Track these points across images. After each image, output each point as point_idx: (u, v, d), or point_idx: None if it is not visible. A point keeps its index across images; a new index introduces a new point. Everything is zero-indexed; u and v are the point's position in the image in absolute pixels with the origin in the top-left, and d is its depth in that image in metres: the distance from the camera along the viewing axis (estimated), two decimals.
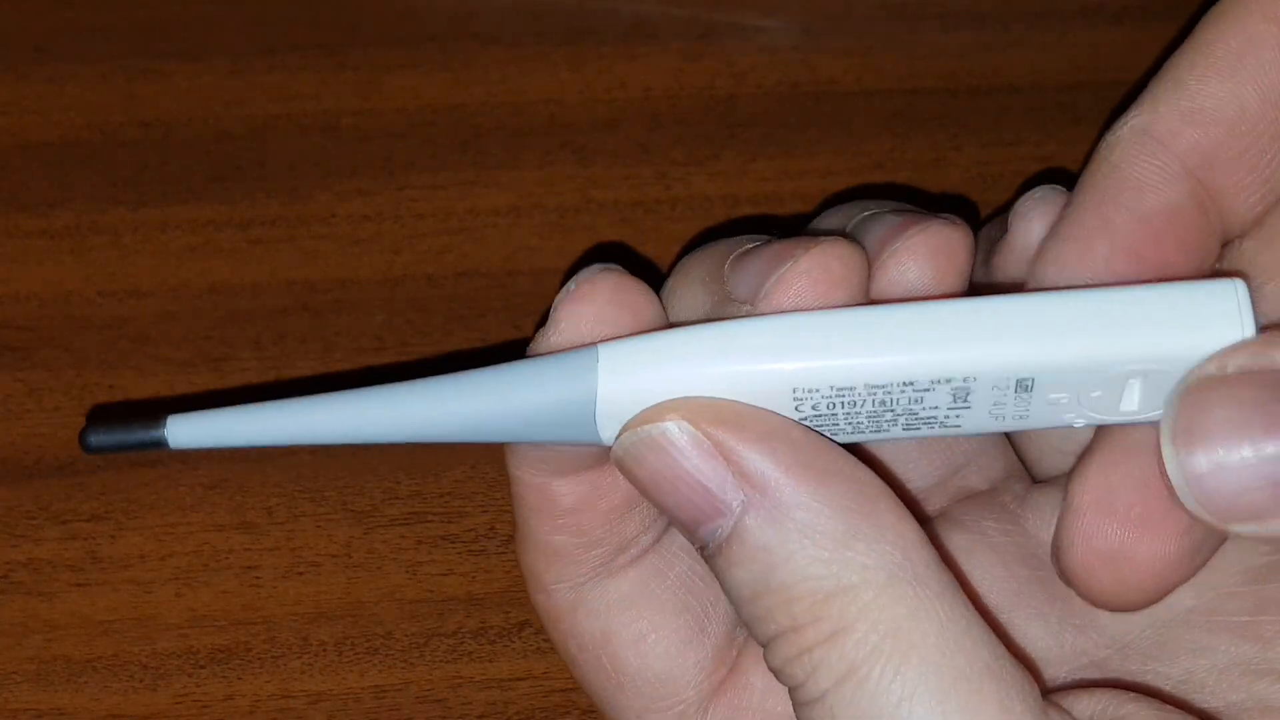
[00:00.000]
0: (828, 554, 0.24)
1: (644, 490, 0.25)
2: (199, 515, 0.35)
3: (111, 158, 0.38)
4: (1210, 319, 0.25)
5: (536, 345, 0.27)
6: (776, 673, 0.25)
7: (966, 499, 0.30)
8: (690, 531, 0.25)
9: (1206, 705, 0.27)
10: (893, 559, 0.24)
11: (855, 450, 0.26)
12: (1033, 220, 0.29)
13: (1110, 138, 0.28)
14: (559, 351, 0.26)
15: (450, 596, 0.35)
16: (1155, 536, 0.26)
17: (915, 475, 0.30)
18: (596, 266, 0.27)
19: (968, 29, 0.40)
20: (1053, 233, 0.28)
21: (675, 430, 0.25)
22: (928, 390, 0.25)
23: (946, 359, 0.25)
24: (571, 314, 0.26)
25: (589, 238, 0.38)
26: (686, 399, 0.25)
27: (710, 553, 0.25)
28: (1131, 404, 0.26)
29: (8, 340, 0.37)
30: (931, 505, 0.30)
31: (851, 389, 0.25)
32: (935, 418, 0.26)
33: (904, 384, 0.25)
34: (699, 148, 0.39)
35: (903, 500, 0.25)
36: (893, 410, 0.25)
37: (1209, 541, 0.26)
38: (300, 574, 0.35)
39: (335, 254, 0.38)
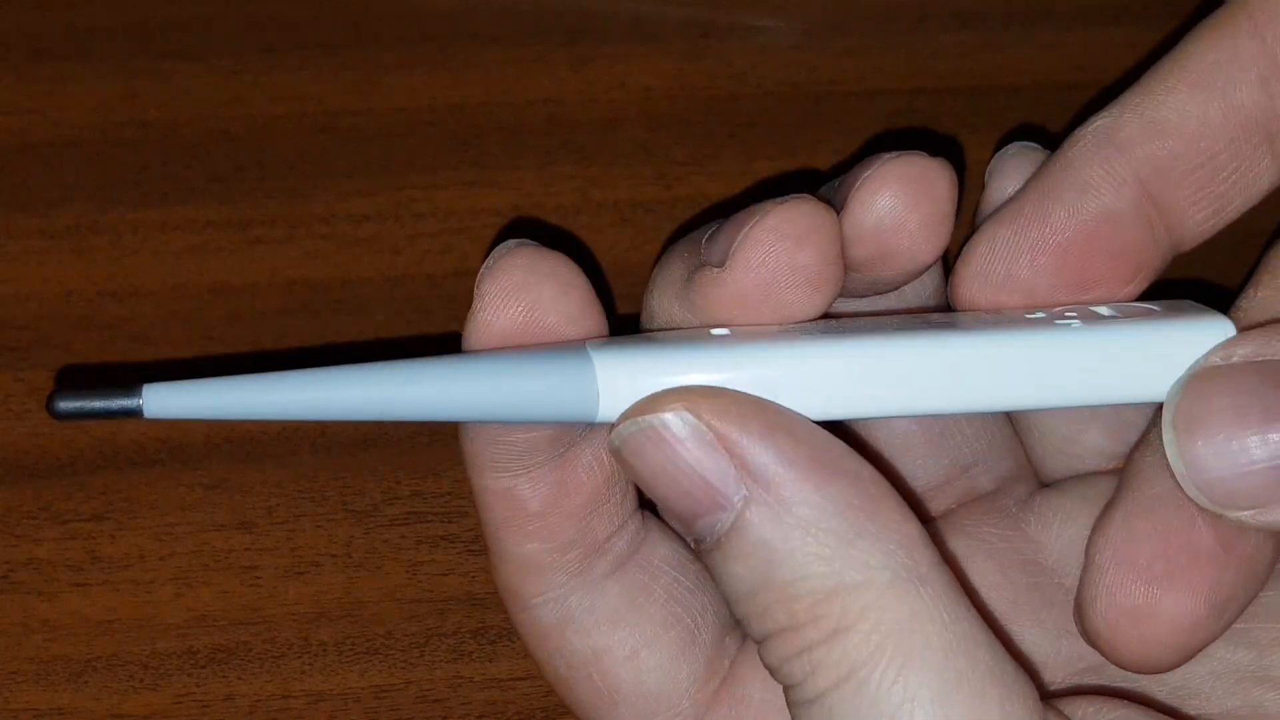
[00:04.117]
0: (830, 551, 0.24)
1: (641, 482, 0.25)
2: (199, 515, 0.35)
3: (111, 158, 0.38)
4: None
5: (468, 328, 0.26)
6: (772, 670, 0.25)
7: (969, 503, 0.30)
8: (687, 525, 0.25)
9: (1203, 711, 0.27)
10: (897, 558, 0.24)
11: (861, 448, 0.26)
12: (1008, 179, 0.29)
13: (1073, 135, 0.28)
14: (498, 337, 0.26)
15: (450, 596, 0.35)
16: (1180, 592, 0.25)
17: (923, 473, 0.30)
18: (511, 242, 0.27)
19: (968, 29, 0.40)
20: (994, 213, 0.28)
21: (676, 421, 0.24)
22: None
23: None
24: (493, 290, 0.26)
25: (589, 238, 0.38)
26: (688, 387, 0.25)
27: (707, 547, 0.25)
28: None
29: (8, 340, 0.37)
30: (939, 504, 0.30)
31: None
32: None
33: None
34: (699, 148, 0.39)
35: (906, 499, 0.25)
36: None
37: (1238, 598, 0.26)
38: (300, 574, 0.35)
39: (335, 254, 0.38)
